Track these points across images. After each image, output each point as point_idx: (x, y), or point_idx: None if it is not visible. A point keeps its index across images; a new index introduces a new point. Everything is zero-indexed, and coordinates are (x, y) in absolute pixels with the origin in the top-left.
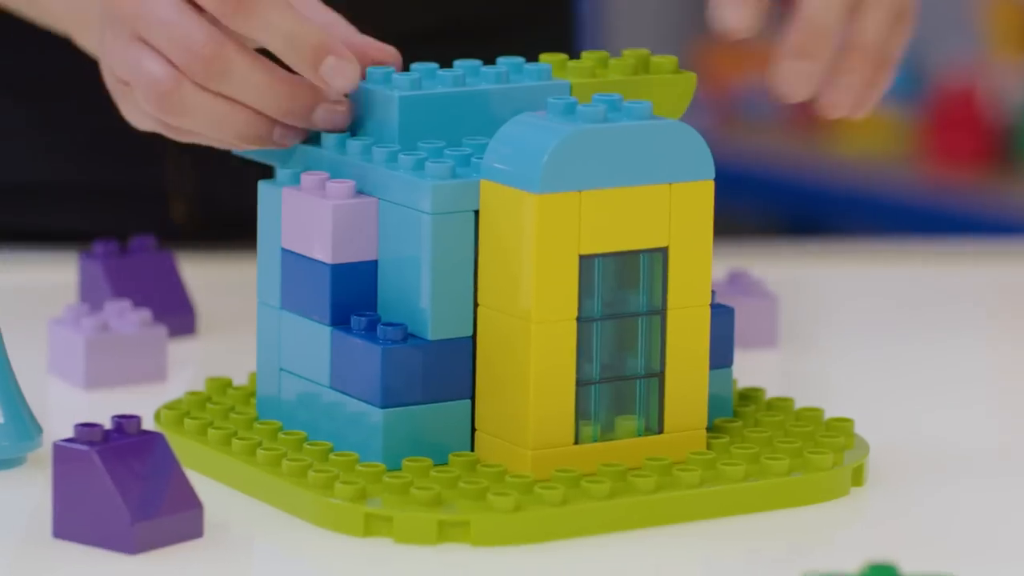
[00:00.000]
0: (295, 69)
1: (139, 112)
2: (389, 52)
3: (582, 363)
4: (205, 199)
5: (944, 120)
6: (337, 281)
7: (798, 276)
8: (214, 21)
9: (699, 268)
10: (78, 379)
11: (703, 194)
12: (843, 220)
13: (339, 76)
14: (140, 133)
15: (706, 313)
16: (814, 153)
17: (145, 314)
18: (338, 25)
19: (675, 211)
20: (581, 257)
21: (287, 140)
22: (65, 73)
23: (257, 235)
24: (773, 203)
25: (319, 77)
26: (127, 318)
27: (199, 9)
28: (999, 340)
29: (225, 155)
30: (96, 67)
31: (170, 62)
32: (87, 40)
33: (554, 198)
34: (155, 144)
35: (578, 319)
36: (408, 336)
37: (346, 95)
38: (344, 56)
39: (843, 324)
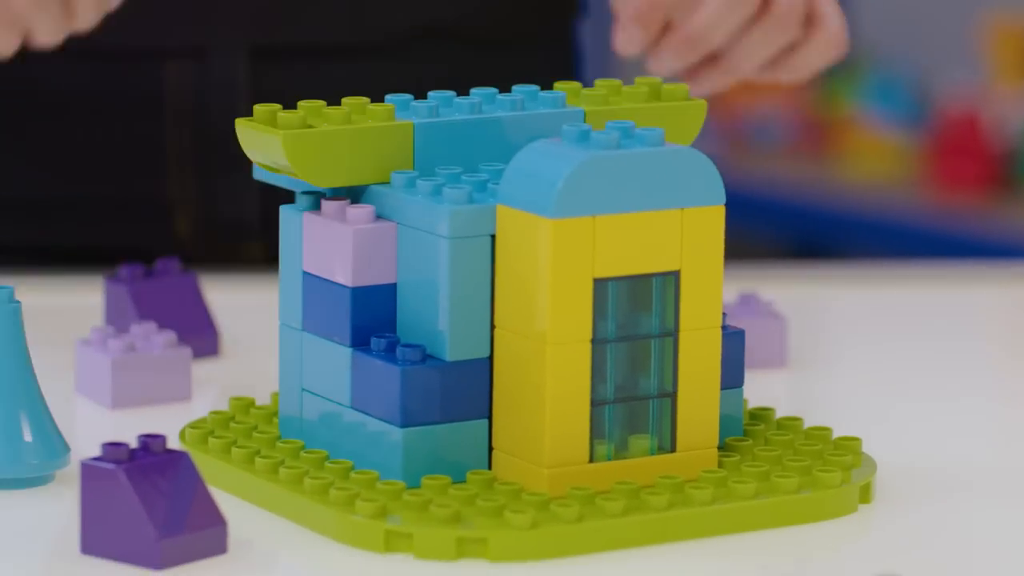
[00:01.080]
0: None
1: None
2: None
3: (596, 384)
4: (207, 211)
5: (948, 146)
6: (357, 304)
7: (806, 298)
8: None
9: (710, 291)
10: (105, 399)
11: (714, 219)
12: (849, 243)
13: None
14: (142, 147)
15: (717, 335)
16: (821, 178)
17: (170, 336)
18: None
19: (687, 235)
20: (595, 280)
21: None
22: (71, 88)
23: (279, 258)
24: (781, 227)
25: None
26: (152, 340)
27: None
28: (1003, 359)
29: (226, 167)
30: (97, 83)
31: None
32: None
33: (569, 223)
34: (157, 158)
35: (592, 341)
36: (427, 357)
37: None
38: None
39: (850, 345)
